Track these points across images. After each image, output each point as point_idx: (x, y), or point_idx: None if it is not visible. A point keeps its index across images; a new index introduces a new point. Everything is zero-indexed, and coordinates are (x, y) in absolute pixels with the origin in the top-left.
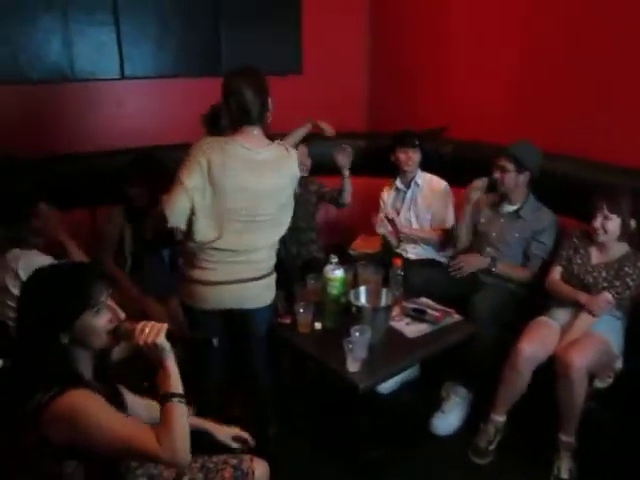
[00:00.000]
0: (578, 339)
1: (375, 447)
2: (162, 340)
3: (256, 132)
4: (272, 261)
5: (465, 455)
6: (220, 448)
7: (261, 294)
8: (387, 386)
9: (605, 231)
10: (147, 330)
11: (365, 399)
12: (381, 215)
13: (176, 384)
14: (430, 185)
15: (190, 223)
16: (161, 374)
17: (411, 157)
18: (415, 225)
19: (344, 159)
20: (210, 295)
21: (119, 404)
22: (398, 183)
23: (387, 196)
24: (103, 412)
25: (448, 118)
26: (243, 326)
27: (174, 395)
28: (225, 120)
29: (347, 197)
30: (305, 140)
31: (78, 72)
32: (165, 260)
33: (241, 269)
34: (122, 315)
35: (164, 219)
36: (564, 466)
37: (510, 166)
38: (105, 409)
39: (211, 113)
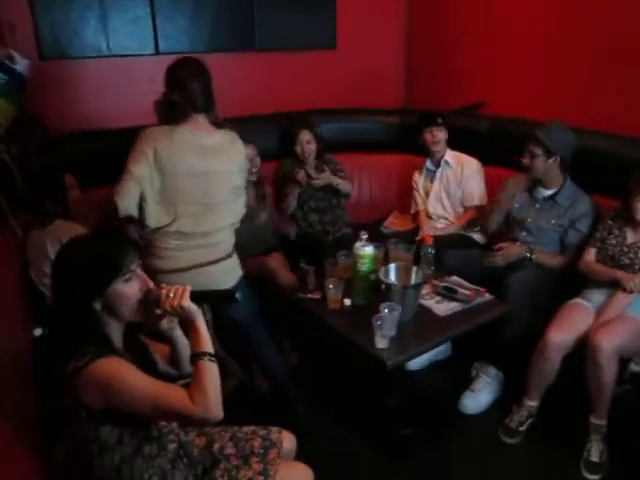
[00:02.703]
0: (610, 321)
1: (405, 424)
2: (188, 302)
3: (202, 120)
4: (232, 242)
5: (494, 434)
6: (250, 421)
7: (227, 273)
8: (417, 363)
9: None
10: (171, 294)
11: (395, 377)
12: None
13: (206, 343)
14: (460, 163)
15: (141, 209)
16: (191, 334)
17: (436, 135)
18: (446, 202)
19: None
20: (179, 283)
21: (149, 369)
22: (428, 164)
23: (418, 178)
24: (135, 376)
25: (484, 94)
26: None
27: (205, 354)
28: (170, 110)
29: (343, 189)
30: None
31: (114, 48)
32: None
33: (202, 253)
34: (151, 284)
35: (115, 208)
36: (595, 449)
37: (538, 151)
38: (137, 373)
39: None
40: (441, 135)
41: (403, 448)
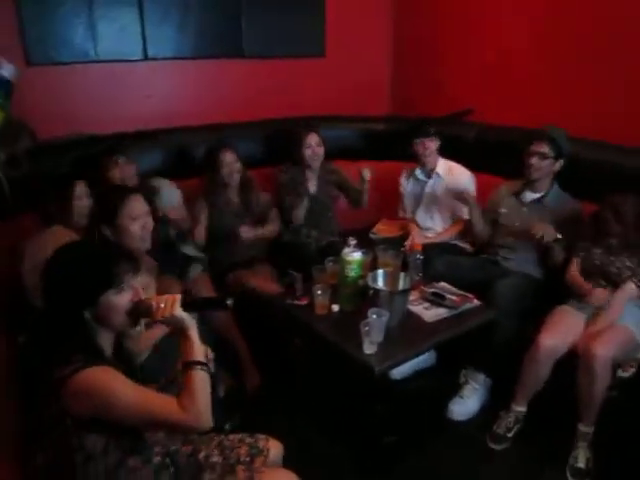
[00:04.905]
0: (603, 330)
1: (391, 432)
2: (179, 311)
3: None
4: None
5: (482, 441)
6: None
7: None
8: (402, 372)
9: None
10: (162, 304)
11: (380, 384)
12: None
13: (198, 352)
14: (452, 175)
15: None
16: (183, 343)
17: (428, 147)
18: (436, 215)
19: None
20: None
21: (136, 377)
22: (418, 173)
23: (406, 184)
24: (126, 386)
25: (472, 101)
26: None
27: (197, 363)
28: None
29: (365, 199)
30: None
31: (102, 53)
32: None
33: None
34: (142, 295)
35: None
36: (581, 456)
37: (550, 152)
38: (127, 383)
39: None
40: (433, 146)
41: (388, 456)
